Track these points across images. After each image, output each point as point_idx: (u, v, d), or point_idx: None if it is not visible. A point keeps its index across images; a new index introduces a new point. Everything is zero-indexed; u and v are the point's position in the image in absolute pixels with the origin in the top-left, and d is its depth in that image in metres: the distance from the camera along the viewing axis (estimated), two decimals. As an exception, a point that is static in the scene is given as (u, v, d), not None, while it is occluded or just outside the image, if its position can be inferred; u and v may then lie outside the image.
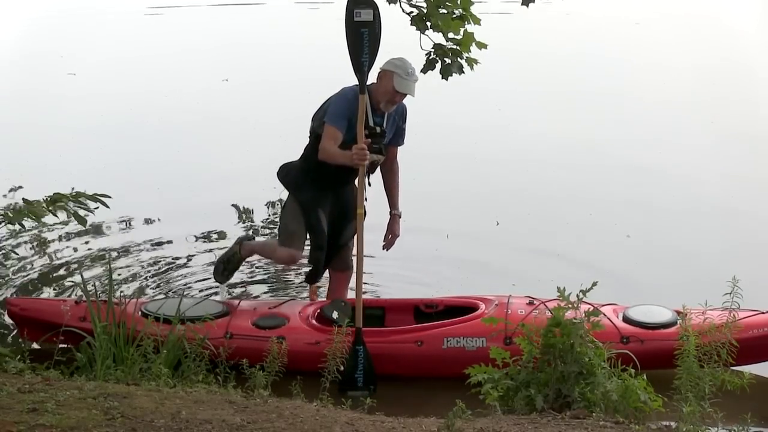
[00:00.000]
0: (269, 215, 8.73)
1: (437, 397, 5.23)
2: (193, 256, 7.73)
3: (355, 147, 5.46)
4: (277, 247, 5.96)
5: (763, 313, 5.55)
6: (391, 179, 5.92)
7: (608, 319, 5.50)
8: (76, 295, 6.51)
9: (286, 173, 5.95)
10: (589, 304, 4.94)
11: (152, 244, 7.96)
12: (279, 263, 6.02)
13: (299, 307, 5.89)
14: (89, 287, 5.84)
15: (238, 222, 8.55)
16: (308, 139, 5.84)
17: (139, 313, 5.59)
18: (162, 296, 6.55)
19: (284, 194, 6.13)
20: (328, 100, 5.73)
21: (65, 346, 5.50)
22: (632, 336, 5.46)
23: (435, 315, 5.90)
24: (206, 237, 8.15)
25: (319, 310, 5.81)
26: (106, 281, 6.25)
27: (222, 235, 8.17)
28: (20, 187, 9.31)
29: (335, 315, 5.56)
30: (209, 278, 7.17)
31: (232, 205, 8.87)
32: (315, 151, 5.67)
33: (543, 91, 13.44)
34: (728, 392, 4.39)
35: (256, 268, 7.41)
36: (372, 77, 5.56)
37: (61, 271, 7.39)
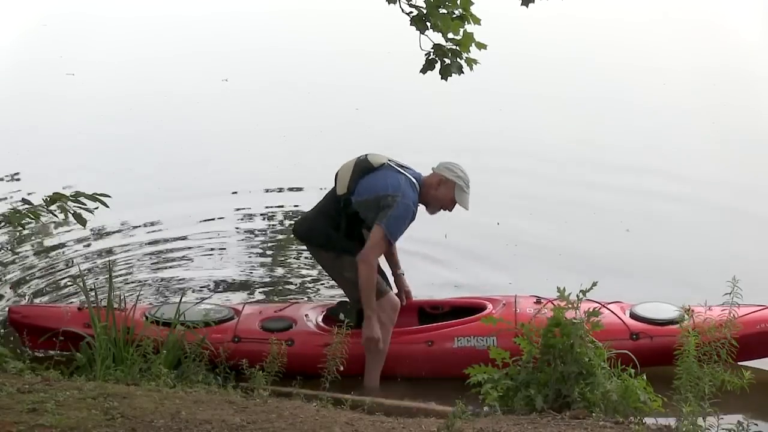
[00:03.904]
0: (269, 215, 8.73)
1: (437, 397, 5.24)
2: (193, 256, 7.72)
3: (375, 332, 5.35)
4: (383, 309, 5.45)
5: None
6: None
7: (616, 315, 5.58)
8: (79, 300, 6.48)
9: (319, 236, 5.56)
10: (595, 302, 4.96)
11: (152, 245, 7.93)
12: (393, 317, 5.49)
13: (304, 309, 5.88)
14: (90, 290, 5.81)
15: (239, 222, 8.54)
16: (332, 198, 5.52)
17: (144, 318, 5.57)
18: (164, 301, 6.51)
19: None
20: (390, 192, 5.33)
21: (67, 352, 5.47)
22: (641, 332, 5.51)
23: (440, 316, 5.89)
24: (206, 238, 8.14)
25: (324, 312, 5.81)
26: (106, 283, 6.24)
27: (222, 236, 8.17)
28: (19, 189, 9.32)
29: (341, 316, 5.55)
30: (208, 280, 7.17)
31: (234, 207, 8.86)
32: (348, 222, 5.44)
33: (544, 91, 13.44)
34: (728, 392, 4.39)
35: (255, 270, 7.42)
36: (416, 166, 5.54)
37: (61, 275, 7.34)
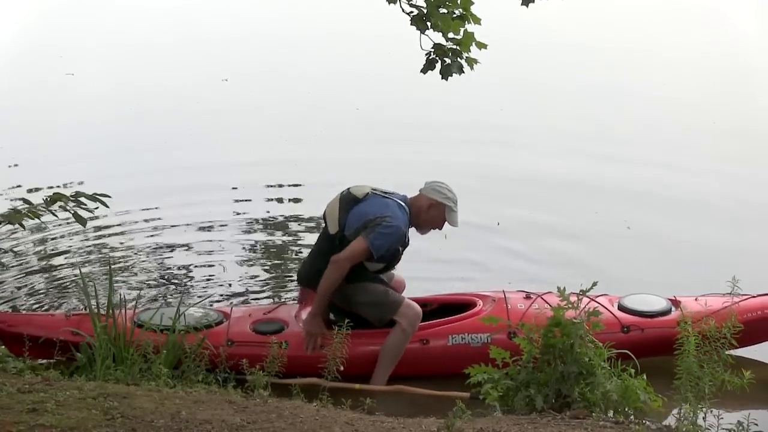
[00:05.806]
0: (269, 215, 8.72)
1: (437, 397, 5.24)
2: (189, 257, 7.69)
3: (314, 338, 5.44)
4: (405, 316, 5.48)
5: (755, 296, 5.66)
6: None
7: (607, 309, 5.61)
8: (67, 306, 6.43)
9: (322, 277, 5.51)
10: (582, 296, 4.98)
11: (148, 246, 7.90)
12: (415, 324, 5.53)
13: (293, 310, 5.85)
14: (89, 293, 5.73)
15: (239, 223, 8.52)
16: (326, 239, 5.54)
17: (132, 323, 5.45)
18: (156, 304, 6.44)
19: None
20: (379, 214, 5.37)
21: (59, 359, 5.43)
22: (632, 325, 5.58)
23: (429, 314, 5.89)
24: (205, 238, 8.13)
25: None
26: (105, 284, 6.21)
27: (220, 235, 8.15)
28: (19, 186, 9.31)
29: (332, 316, 5.56)
30: (208, 283, 7.14)
31: (233, 208, 8.85)
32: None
33: (544, 90, 13.45)
34: (728, 392, 4.40)
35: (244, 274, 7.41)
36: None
37: (58, 277, 7.28)
